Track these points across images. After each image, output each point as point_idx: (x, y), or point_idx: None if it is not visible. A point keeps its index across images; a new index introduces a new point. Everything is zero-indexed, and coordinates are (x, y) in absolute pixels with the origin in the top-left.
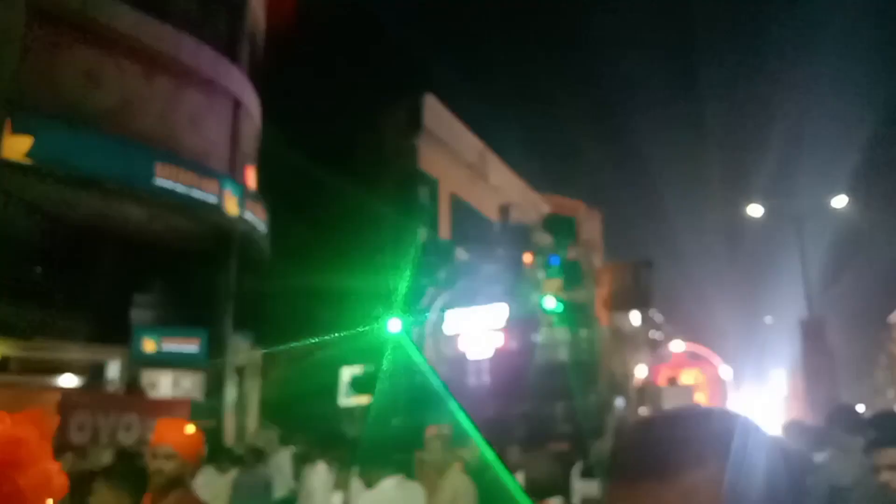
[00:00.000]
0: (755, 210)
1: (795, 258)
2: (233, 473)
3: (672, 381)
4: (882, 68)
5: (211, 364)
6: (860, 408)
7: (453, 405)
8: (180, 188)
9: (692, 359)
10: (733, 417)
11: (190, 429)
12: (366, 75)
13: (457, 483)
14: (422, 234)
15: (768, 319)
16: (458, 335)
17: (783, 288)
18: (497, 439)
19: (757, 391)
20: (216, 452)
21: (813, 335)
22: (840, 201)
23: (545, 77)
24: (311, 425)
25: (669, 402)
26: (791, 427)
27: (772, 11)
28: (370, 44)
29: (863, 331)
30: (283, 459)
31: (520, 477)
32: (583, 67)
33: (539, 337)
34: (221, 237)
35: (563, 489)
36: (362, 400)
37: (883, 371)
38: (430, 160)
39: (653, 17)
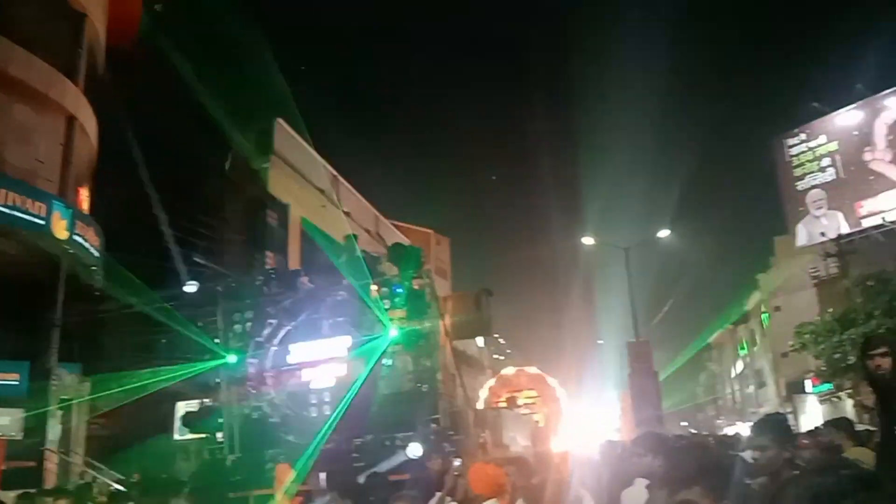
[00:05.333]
0: (588, 241)
1: (625, 285)
2: None
3: (511, 402)
4: (699, 111)
5: (32, 399)
6: (683, 423)
7: (293, 438)
8: (3, 208)
9: (531, 380)
10: None
11: None
12: (214, 97)
13: None
14: (269, 259)
15: (600, 342)
16: (300, 366)
17: (614, 313)
18: (338, 470)
19: (592, 409)
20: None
21: (639, 357)
22: (664, 233)
23: (399, 108)
24: (143, 462)
25: (509, 426)
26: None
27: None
28: (219, 65)
29: (686, 351)
30: None
31: None
32: (432, 100)
33: (382, 367)
34: (48, 262)
35: None
36: (198, 435)
37: (703, 388)
38: (281, 185)
39: (498, 54)
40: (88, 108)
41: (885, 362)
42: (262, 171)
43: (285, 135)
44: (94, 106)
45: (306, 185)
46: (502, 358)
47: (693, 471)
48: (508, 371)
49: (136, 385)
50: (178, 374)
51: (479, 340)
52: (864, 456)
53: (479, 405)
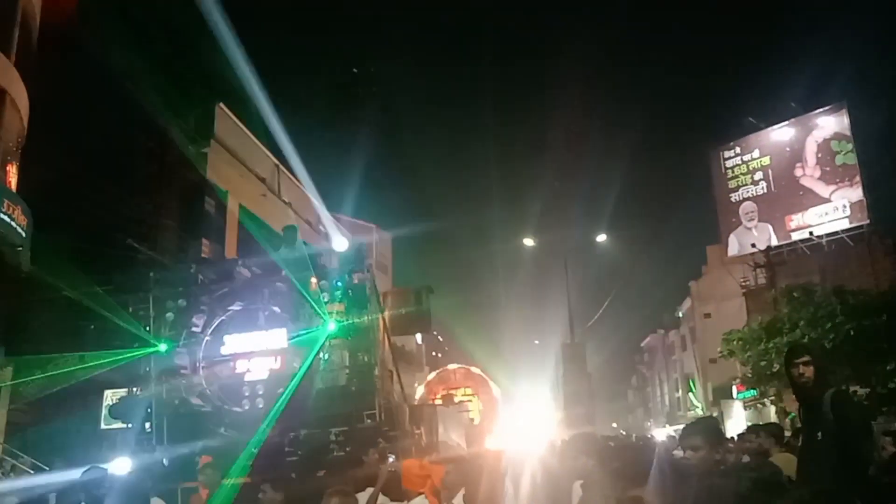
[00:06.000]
0: (529, 242)
1: (563, 287)
2: None
3: (447, 399)
4: (637, 122)
5: None
6: (613, 425)
7: (224, 431)
8: None
9: (468, 378)
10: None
11: None
12: (153, 77)
13: None
14: (205, 247)
15: (536, 342)
16: (234, 357)
17: (551, 314)
18: (269, 464)
19: (526, 408)
20: None
21: (573, 358)
22: (601, 238)
23: (343, 100)
24: (67, 452)
25: (444, 423)
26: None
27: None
28: (160, 46)
29: (619, 355)
30: None
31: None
32: (378, 95)
33: (319, 361)
34: None
35: None
36: (126, 425)
37: (633, 391)
38: (220, 171)
39: (444, 52)
40: (20, 82)
41: (808, 371)
42: (201, 156)
43: (226, 120)
44: (26, 81)
45: (247, 173)
46: (440, 355)
47: (646, 469)
48: (445, 368)
49: (61, 372)
50: (106, 361)
51: (418, 337)
52: (789, 461)
53: (416, 402)
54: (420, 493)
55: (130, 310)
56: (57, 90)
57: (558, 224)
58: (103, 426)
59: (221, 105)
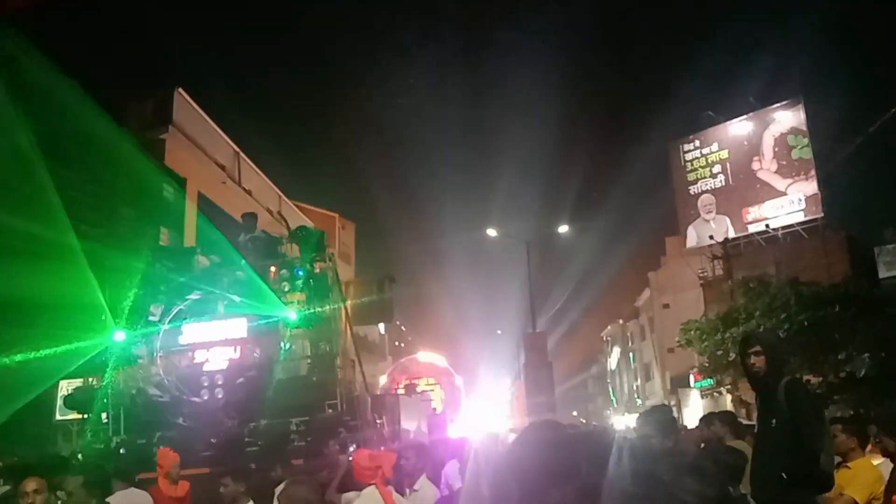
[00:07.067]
0: (492, 233)
1: (524, 277)
2: None
3: (409, 389)
4: (599, 116)
5: None
6: (573, 413)
7: (182, 421)
8: None
9: (430, 367)
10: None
11: None
12: (111, 60)
13: None
14: (163, 235)
15: (499, 332)
16: (193, 347)
17: (513, 304)
18: (227, 455)
19: (487, 397)
20: None
21: (535, 347)
22: (563, 229)
23: (304, 87)
24: (20, 443)
25: (407, 412)
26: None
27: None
28: (119, 28)
29: (579, 344)
30: None
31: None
32: (338, 86)
33: (280, 350)
34: None
35: None
36: (81, 416)
37: (593, 380)
38: (179, 157)
39: (410, 51)
40: None
41: (759, 360)
42: (159, 142)
43: (185, 105)
44: None
45: (206, 160)
46: (403, 345)
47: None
48: (408, 358)
49: (13, 360)
50: (60, 350)
51: (381, 327)
52: (743, 448)
53: (379, 391)
54: (371, 484)
55: (86, 298)
56: (8, 72)
57: (521, 215)
58: (58, 417)
59: (180, 90)
